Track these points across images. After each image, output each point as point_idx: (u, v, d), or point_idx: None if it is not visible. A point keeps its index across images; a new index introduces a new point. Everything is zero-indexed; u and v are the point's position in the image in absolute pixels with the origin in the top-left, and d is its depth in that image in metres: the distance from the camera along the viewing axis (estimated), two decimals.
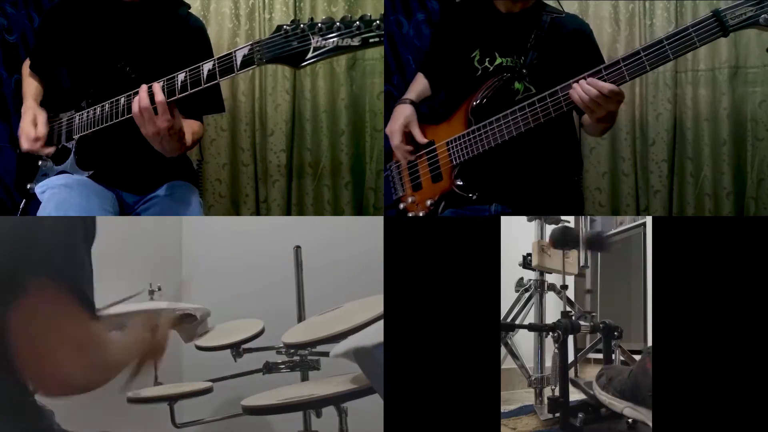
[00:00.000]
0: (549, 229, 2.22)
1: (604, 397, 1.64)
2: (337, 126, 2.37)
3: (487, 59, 1.81)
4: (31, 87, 1.85)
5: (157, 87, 1.49)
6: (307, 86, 2.35)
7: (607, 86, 1.52)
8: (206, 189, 2.40)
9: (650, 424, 1.50)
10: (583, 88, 1.54)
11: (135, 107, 1.51)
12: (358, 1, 2.33)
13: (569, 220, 2.26)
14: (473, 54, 1.82)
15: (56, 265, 0.99)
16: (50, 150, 1.75)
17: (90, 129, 1.69)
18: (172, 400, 1.82)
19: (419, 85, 1.97)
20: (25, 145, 1.76)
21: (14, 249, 0.99)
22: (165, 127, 1.52)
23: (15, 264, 0.98)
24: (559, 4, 1.85)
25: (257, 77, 2.37)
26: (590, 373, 2.14)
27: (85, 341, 1.00)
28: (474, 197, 1.78)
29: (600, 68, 1.56)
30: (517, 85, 1.77)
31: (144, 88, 1.50)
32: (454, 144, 1.78)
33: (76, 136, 1.72)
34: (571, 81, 1.58)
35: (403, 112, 1.86)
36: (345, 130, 2.37)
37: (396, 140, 1.83)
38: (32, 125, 1.75)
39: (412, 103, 1.88)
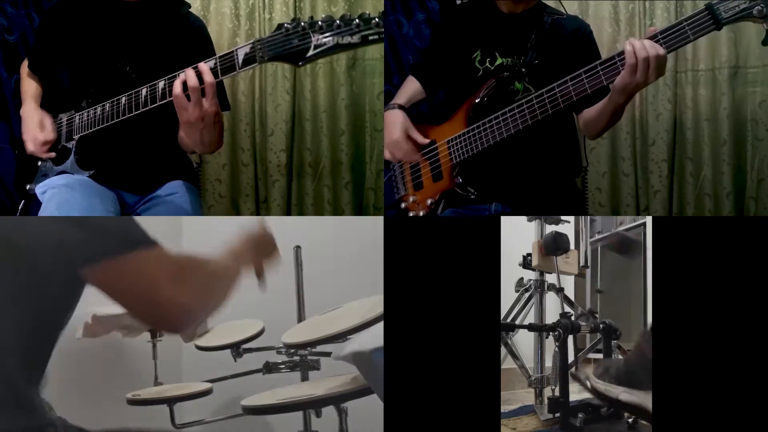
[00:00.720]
0: (549, 229, 2.22)
1: (601, 386, 1.63)
2: (337, 126, 2.37)
3: (488, 59, 1.81)
4: (30, 88, 1.85)
5: (205, 67, 1.45)
6: (307, 86, 2.35)
7: (662, 51, 1.48)
8: (206, 189, 2.40)
9: (647, 406, 1.49)
10: (645, 43, 1.49)
11: (178, 88, 1.46)
12: (358, 0, 2.33)
13: (569, 220, 2.26)
14: (474, 54, 1.83)
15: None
16: (52, 154, 1.75)
17: (90, 129, 1.68)
18: (171, 402, 1.82)
19: (410, 89, 1.96)
20: (30, 147, 1.75)
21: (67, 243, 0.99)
22: (213, 111, 1.47)
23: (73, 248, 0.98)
24: (561, 5, 1.86)
25: (257, 77, 2.37)
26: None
27: (176, 268, 1.00)
28: (473, 195, 1.78)
29: (596, 64, 1.56)
30: (517, 85, 1.78)
31: (190, 69, 1.46)
32: (454, 142, 1.78)
33: (76, 136, 1.72)
34: (567, 78, 1.59)
35: (398, 119, 1.85)
36: (345, 130, 2.37)
37: (407, 147, 1.82)
38: (39, 128, 1.74)
39: (401, 107, 1.87)
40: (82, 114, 1.70)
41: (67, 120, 1.74)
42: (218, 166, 2.41)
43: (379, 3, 2.25)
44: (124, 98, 1.60)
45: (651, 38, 1.50)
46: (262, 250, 1.29)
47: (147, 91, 1.55)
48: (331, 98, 2.36)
